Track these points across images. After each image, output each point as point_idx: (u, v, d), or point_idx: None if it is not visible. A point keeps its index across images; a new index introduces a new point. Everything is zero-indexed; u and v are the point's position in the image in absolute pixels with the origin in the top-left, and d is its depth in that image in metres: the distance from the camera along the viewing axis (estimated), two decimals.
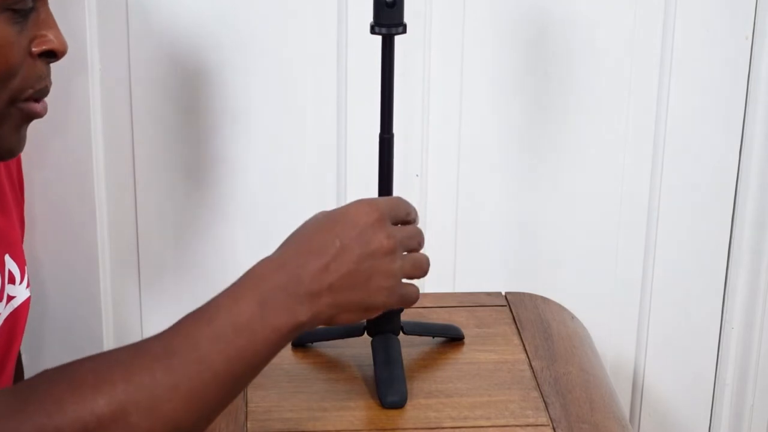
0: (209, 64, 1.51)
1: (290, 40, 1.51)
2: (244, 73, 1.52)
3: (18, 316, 1.22)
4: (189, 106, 1.53)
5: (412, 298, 1.08)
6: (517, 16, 1.53)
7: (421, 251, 1.09)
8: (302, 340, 1.34)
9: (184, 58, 1.51)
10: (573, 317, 1.45)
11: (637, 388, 1.71)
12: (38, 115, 1.08)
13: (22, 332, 1.25)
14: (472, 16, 1.52)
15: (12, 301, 1.21)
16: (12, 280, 1.21)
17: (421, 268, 1.08)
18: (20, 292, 1.22)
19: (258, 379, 1.26)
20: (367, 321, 1.28)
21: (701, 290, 1.68)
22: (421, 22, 1.51)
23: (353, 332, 1.31)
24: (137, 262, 1.59)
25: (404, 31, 1.17)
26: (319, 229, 1.04)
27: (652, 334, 1.68)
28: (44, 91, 1.07)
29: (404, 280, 1.07)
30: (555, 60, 1.55)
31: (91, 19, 1.47)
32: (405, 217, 1.08)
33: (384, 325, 1.27)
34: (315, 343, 1.34)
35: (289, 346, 1.33)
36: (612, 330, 1.67)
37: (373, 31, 1.17)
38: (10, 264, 1.21)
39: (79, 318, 1.60)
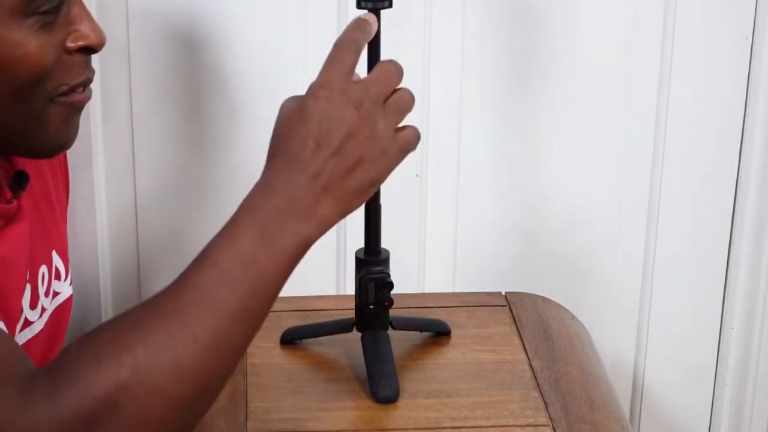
0: (209, 63, 1.52)
1: (290, 38, 1.51)
2: (243, 72, 1.52)
3: (62, 312, 1.22)
4: (189, 105, 1.54)
5: (412, 141, 1.02)
6: (516, 16, 1.53)
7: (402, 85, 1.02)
8: (290, 338, 1.34)
9: (184, 57, 1.51)
10: (573, 317, 1.46)
11: (637, 388, 1.71)
12: (80, 103, 1.07)
13: (66, 329, 1.24)
14: (472, 16, 1.52)
15: (57, 297, 1.20)
16: (58, 276, 1.20)
17: (405, 103, 1.01)
18: (64, 289, 1.22)
19: (258, 379, 1.27)
20: (356, 317, 1.29)
21: (701, 290, 1.68)
22: (421, 24, 1.51)
23: (342, 328, 1.31)
24: (137, 262, 1.59)
25: (390, 6, 1.16)
26: (290, 134, 0.98)
27: (652, 334, 1.68)
28: (84, 83, 1.07)
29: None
30: (555, 60, 1.55)
31: None
32: (356, 60, 1.01)
33: (373, 321, 1.28)
34: (308, 341, 1.34)
35: (279, 345, 1.33)
36: (612, 330, 1.67)
37: (359, 5, 1.16)
38: (57, 261, 1.20)
39: (79, 318, 1.60)
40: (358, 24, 1.03)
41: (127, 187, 1.56)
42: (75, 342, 0.95)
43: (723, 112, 1.59)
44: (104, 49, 1.49)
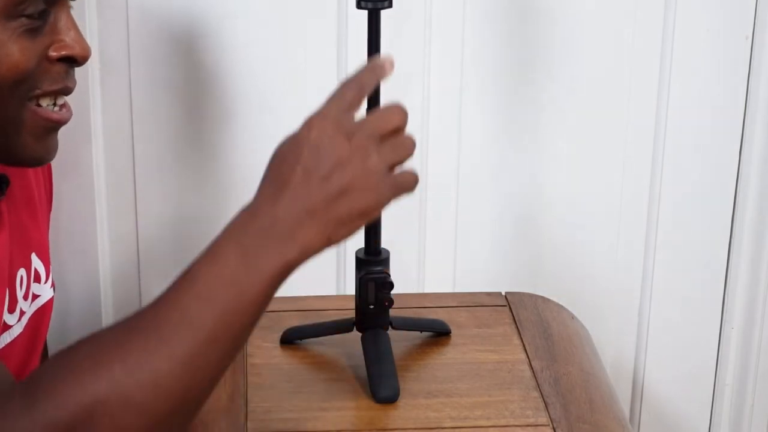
0: (209, 63, 1.52)
1: (290, 38, 1.51)
2: (243, 72, 1.52)
3: (42, 314, 1.22)
4: (189, 105, 1.53)
5: (408, 184, 1.00)
6: (517, 16, 1.53)
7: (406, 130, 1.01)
8: (291, 338, 1.34)
9: (184, 57, 1.51)
10: (573, 317, 1.46)
11: (637, 388, 1.71)
12: (54, 121, 1.07)
13: (46, 331, 1.25)
14: (472, 16, 1.52)
15: (37, 300, 1.21)
16: (38, 279, 1.21)
17: (404, 148, 0.99)
18: (45, 291, 1.23)
19: (258, 379, 1.27)
20: (356, 317, 1.29)
21: (701, 290, 1.68)
22: (421, 25, 1.51)
23: (342, 328, 1.31)
24: (137, 262, 1.59)
25: (390, 6, 1.16)
26: (281, 162, 0.98)
27: (652, 334, 1.68)
28: (63, 92, 1.07)
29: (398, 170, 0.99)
30: (555, 60, 1.55)
31: (91, 20, 1.47)
32: (359, 99, 1.00)
33: (373, 321, 1.28)
34: (308, 341, 1.34)
35: (279, 345, 1.33)
36: (612, 330, 1.67)
37: (359, 5, 1.16)
38: (36, 263, 1.21)
39: (79, 318, 1.60)
40: (370, 66, 1.01)
41: (127, 187, 1.56)
42: (54, 356, 0.95)
43: (723, 112, 1.59)
44: (104, 52, 1.50)
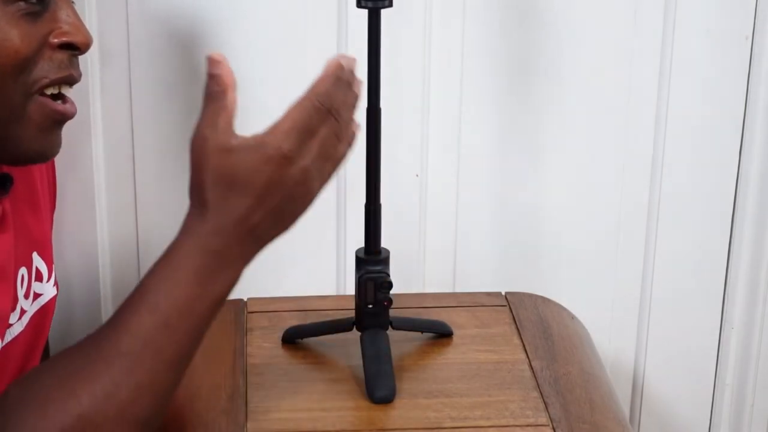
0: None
1: (290, 37, 1.51)
2: (242, 71, 1.52)
3: (45, 313, 1.23)
4: (189, 103, 1.53)
5: (341, 152, 1.08)
6: (517, 16, 1.53)
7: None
8: (291, 337, 1.34)
9: (184, 56, 1.51)
10: (573, 317, 1.46)
11: (637, 388, 1.71)
12: (60, 114, 1.07)
13: (48, 330, 1.25)
14: (472, 16, 1.52)
15: (39, 299, 1.21)
16: (39, 278, 1.21)
17: (344, 140, 1.09)
18: (47, 290, 1.23)
19: (258, 379, 1.27)
20: (356, 316, 1.29)
21: (701, 290, 1.68)
22: (421, 25, 1.51)
23: (342, 328, 1.31)
24: (137, 262, 1.59)
25: (390, 5, 1.16)
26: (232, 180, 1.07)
27: (652, 334, 1.68)
28: (68, 81, 1.07)
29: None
30: (555, 60, 1.55)
31: (91, 19, 1.47)
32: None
33: (372, 321, 1.28)
34: (308, 340, 1.34)
35: (279, 345, 1.34)
36: (612, 330, 1.67)
37: (359, 5, 1.16)
38: (38, 262, 1.21)
39: (79, 318, 1.60)
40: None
41: (127, 187, 1.56)
42: (16, 384, 0.99)
43: (723, 112, 1.59)
44: (104, 49, 1.50)
